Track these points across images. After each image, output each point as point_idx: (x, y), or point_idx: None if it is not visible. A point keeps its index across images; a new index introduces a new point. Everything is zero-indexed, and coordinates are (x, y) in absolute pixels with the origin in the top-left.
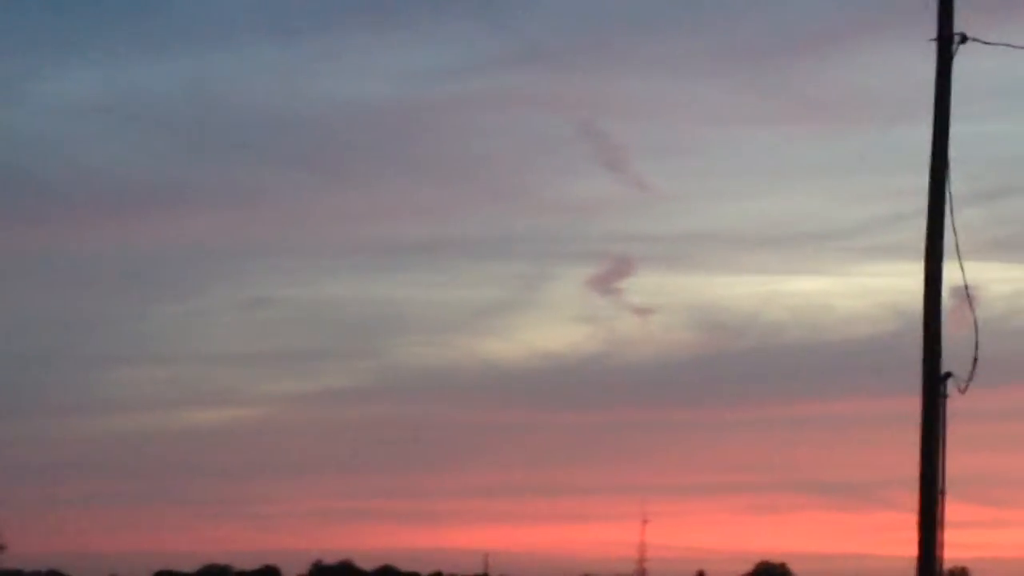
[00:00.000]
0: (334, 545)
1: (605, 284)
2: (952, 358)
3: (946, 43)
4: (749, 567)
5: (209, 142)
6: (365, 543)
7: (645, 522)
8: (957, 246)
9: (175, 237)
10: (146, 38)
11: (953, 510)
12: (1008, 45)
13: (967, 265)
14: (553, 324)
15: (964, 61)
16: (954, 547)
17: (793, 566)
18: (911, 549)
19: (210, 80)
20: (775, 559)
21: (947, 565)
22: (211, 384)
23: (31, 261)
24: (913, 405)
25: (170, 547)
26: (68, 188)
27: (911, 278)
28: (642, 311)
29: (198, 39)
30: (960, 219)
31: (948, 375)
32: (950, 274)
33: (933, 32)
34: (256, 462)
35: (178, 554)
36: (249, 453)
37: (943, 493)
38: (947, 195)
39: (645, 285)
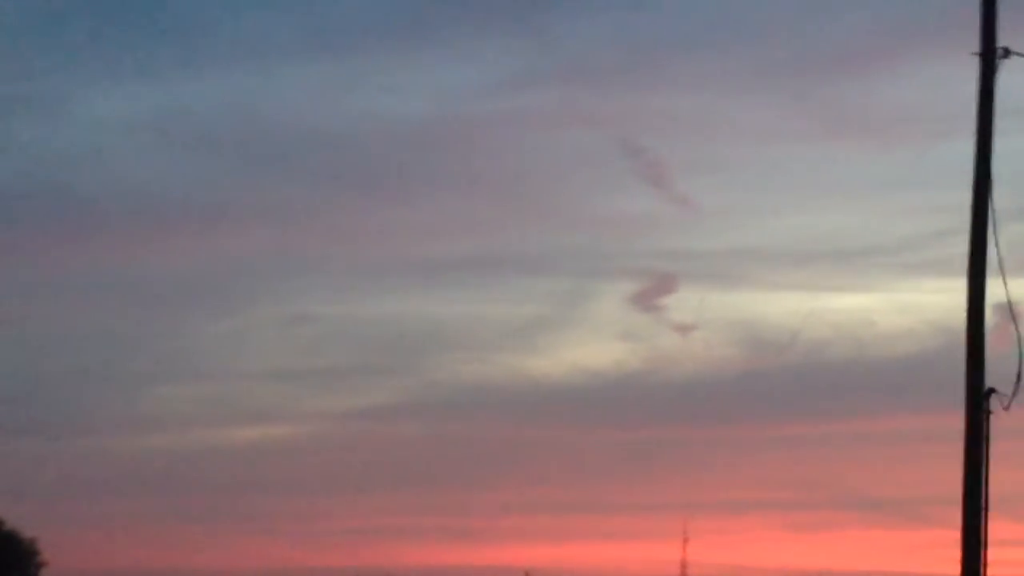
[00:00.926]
0: (374, 562)
1: (647, 301)
2: (996, 375)
3: (989, 57)
4: None
5: (251, 159)
6: (405, 560)
7: (687, 540)
8: (1000, 262)
9: (217, 254)
10: (188, 56)
11: (997, 528)
12: None
13: (1012, 281)
14: (595, 341)
15: (1008, 76)
16: (998, 565)
17: None
18: (955, 568)
19: (252, 98)
20: None
21: None
22: (253, 401)
23: (73, 278)
24: (957, 422)
25: (211, 564)
26: (111, 205)
27: (955, 295)
28: (684, 328)
29: (240, 57)
30: (1005, 235)
31: (992, 391)
32: (995, 291)
33: (976, 46)
34: (297, 479)
35: (219, 571)
36: (290, 470)
37: (987, 511)
38: (990, 211)
39: (687, 302)
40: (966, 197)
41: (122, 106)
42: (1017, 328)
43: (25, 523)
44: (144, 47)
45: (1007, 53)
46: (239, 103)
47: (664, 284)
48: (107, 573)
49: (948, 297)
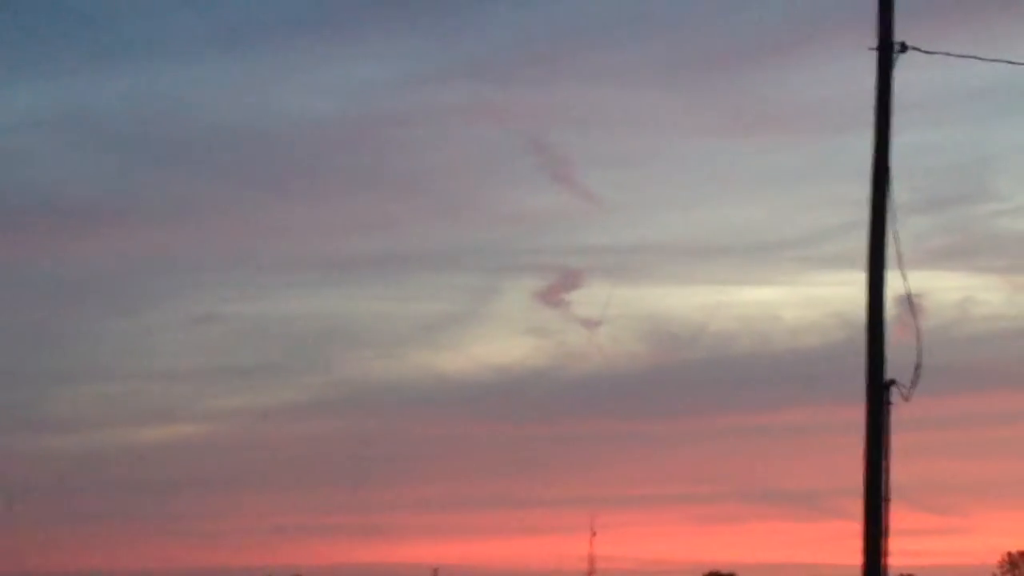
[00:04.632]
0: (284, 561)
1: (553, 296)
2: (898, 366)
3: (886, 52)
4: None
5: (156, 157)
6: (314, 559)
7: (594, 534)
8: (899, 255)
9: (122, 252)
10: (91, 52)
11: (900, 518)
12: (948, 54)
13: (913, 274)
14: (502, 337)
15: (906, 71)
16: (901, 555)
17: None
18: (858, 557)
19: (156, 94)
20: (724, 569)
21: (894, 572)
22: (160, 401)
23: None
24: (860, 414)
25: (117, 566)
26: (12, 203)
27: (858, 287)
28: (591, 323)
29: (144, 53)
30: (905, 228)
31: (892, 382)
32: (897, 283)
33: (874, 41)
34: (205, 478)
35: (127, 571)
36: (198, 469)
37: (888, 500)
38: (889, 204)
39: (593, 297)
40: (867, 191)
41: (28, 104)
42: (916, 319)
43: None
44: (51, 44)
45: (904, 48)
46: (146, 101)
47: (570, 279)
48: None
49: (851, 290)
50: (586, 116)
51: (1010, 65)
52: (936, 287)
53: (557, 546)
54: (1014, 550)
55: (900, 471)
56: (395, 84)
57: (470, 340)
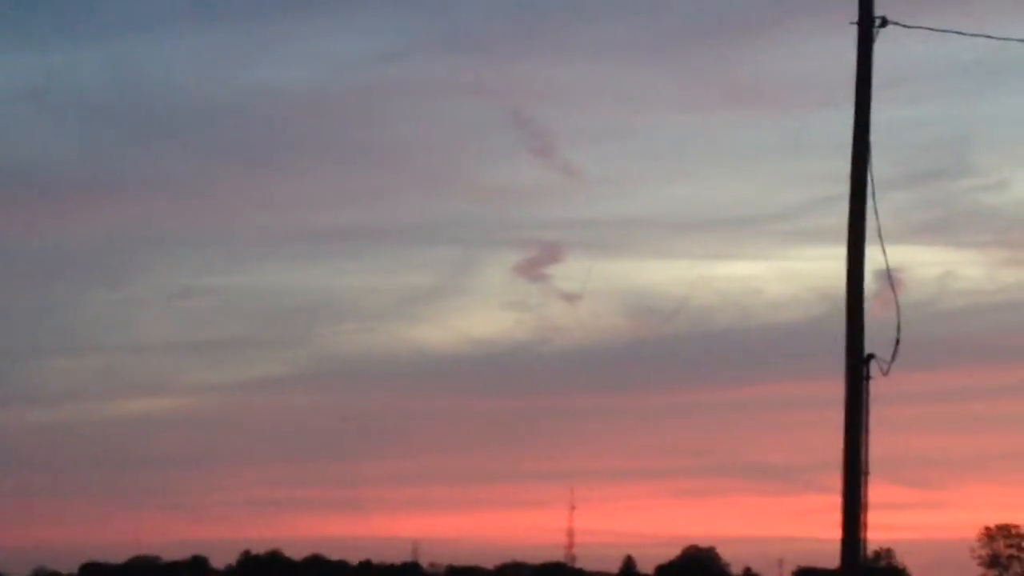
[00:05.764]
0: (263, 535)
1: (534, 270)
2: (878, 341)
3: (866, 26)
4: (677, 551)
5: (136, 130)
6: (294, 532)
7: (573, 508)
8: (880, 230)
9: (103, 226)
10: (70, 25)
11: (879, 492)
12: (929, 29)
13: (893, 249)
14: (483, 310)
15: (887, 45)
16: (879, 529)
17: (721, 550)
18: (838, 531)
19: (136, 67)
20: (703, 543)
21: (872, 547)
22: (140, 374)
23: None
24: (839, 388)
25: (98, 539)
26: None
27: (838, 262)
28: (571, 297)
29: (124, 26)
30: (887, 203)
31: (871, 357)
32: (877, 257)
33: (855, 16)
34: (185, 452)
35: (106, 545)
36: (178, 443)
37: (867, 475)
38: (869, 179)
39: (574, 271)
40: (847, 166)
41: (4, 77)
42: (895, 293)
43: None
44: (24, 15)
45: (884, 22)
46: (124, 73)
47: (550, 253)
48: None
49: (832, 264)
50: (567, 91)
51: (990, 40)
52: (916, 262)
53: (536, 520)
54: (993, 524)
55: (879, 446)
56: (374, 57)
57: (450, 313)
